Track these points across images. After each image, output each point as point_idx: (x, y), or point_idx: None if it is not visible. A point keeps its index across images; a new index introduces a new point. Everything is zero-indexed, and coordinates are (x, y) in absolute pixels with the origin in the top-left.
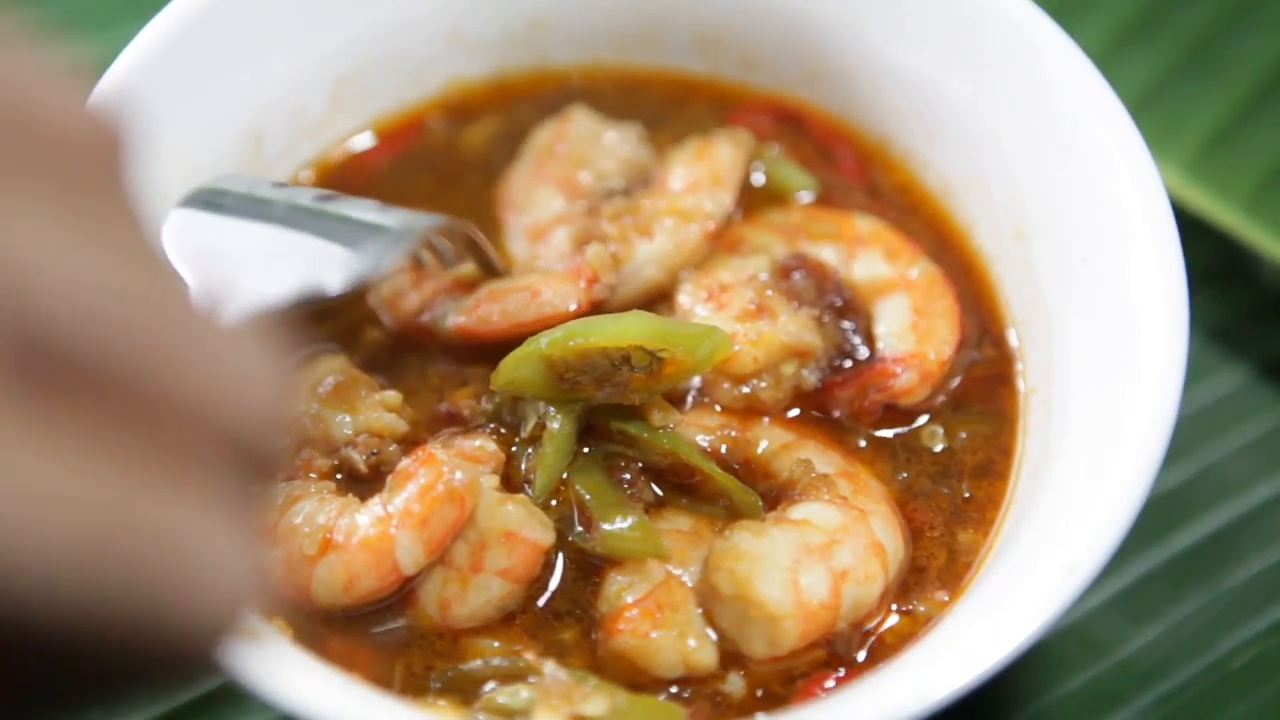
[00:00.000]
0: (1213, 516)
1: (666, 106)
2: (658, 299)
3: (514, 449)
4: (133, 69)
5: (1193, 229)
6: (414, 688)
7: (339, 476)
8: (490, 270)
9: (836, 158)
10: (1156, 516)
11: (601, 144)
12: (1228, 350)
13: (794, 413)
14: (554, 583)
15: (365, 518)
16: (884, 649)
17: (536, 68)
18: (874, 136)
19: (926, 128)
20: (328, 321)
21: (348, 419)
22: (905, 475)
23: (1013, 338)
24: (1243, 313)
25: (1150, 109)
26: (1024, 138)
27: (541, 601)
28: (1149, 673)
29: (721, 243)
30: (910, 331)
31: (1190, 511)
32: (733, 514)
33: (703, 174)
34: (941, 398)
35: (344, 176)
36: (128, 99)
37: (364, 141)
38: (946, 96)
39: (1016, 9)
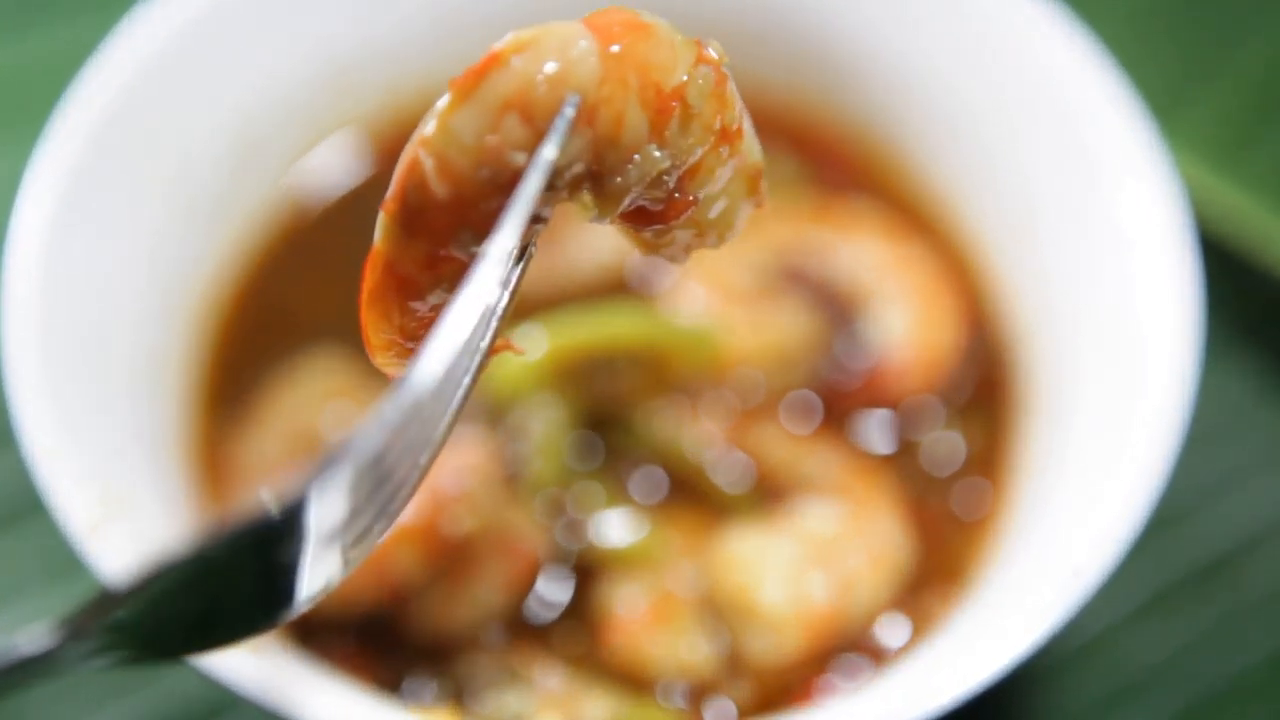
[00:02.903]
0: (1221, 520)
1: None
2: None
3: (508, 454)
4: (130, 68)
5: (1199, 231)
6: (413, 694)
7: None
8: None
9: (831, 166)
10: (1163, 520)
11: None
12: (1234, 353)
13: (795, 413)
14: (552, 588)
15: None
16: (887, 654)
17: None
18: (880, 139)
19: (934, 130)
20: None
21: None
22: (908, 478)
23: (1017, 340)
24: (1248, 315)
25: (1161, 110)
26: (1033, 140)
27: (540, 607)
28: (1156, 679)
29: None
30: (911, 330)
31: (1198, 515)
32: (733, 517)
33: None
34: (944, 398)
35: None
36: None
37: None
38: (955, 99)
39: (1027, 11)
